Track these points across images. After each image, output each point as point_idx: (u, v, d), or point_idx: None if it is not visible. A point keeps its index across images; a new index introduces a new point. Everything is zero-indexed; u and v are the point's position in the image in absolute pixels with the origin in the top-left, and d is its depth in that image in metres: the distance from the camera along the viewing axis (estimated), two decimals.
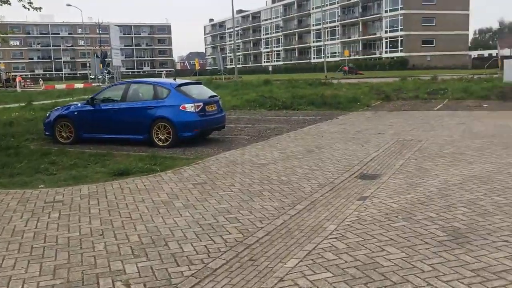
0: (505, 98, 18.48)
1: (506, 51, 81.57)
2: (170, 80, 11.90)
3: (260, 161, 8.73)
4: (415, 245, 4.34)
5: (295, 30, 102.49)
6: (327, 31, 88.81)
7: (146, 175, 7.76)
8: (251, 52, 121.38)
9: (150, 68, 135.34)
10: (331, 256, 4.21)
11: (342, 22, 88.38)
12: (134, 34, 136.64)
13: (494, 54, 78.71)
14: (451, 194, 5.98)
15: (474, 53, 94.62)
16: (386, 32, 79.66)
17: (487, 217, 4.99)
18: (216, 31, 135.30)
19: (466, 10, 78.92)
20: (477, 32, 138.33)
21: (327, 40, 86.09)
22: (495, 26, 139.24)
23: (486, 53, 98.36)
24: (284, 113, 17.86)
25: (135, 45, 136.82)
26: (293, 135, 12.04)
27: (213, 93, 11.91)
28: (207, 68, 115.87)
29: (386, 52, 79.96)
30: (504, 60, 27.72)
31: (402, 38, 76.54)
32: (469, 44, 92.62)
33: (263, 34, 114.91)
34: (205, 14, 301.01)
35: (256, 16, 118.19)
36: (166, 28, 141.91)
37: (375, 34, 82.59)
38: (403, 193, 6.18)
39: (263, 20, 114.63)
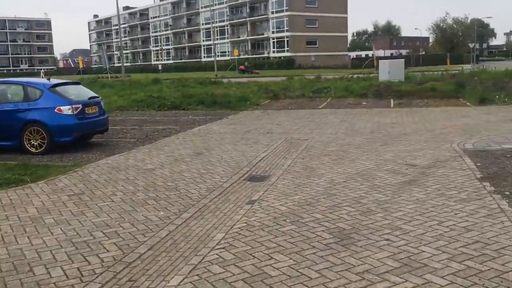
0: (380, 96, 19.81)
1: (380, 52, 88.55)
2: (43, 80, 10.85)
3: (146, 166, 8.25)
4: (303, 250, 4.26)
5: (184, 29, 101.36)
6: (217, 30, 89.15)
7: (14, 187, 6.90)
8: (140, 50, 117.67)
9: (29, 66, 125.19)
10: (218, 269, 3.96)
11: (231, 21, 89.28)
12: (9, 29, 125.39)
13: (370, 55, 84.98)
14: (336, 193, 6.08)
15: (353, 54, 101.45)
16: (273, 32, 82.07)
17: (369, 216, 5.10)
18: (102, 27, 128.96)
19: (345, 14, 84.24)
20: (355, 34, 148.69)
21: (217, 39, 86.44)
22: (370, 28, 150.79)
23: (363, 53, 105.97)
24: (173, 113, 17.37)
25: (11, 41, 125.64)
26: (182, 136, 11.67)
27: (94, 94, 11.09)
28: (93, 66, 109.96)
29: (274, 52, 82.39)
30: (380, 60, 29.82)
31: (288, 39, 79.44)
32: (348, 45, 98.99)
33: (152, 32, 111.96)
34: (89, 9, 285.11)
35: (144, 13, 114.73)
36: (46, 23, 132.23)
37: (263, 34, 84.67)
38: (291, 194, 6.15)
39: (151, 18, 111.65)
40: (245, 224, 5.06)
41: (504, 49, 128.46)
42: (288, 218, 5.18)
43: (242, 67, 58.95)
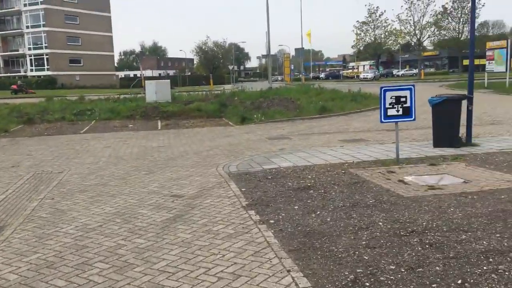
0: (148, 117, 19.24)
1: (148, 72, 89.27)
2: None
3: None
4: None
5: None
6: None
7: None
8: None
9: None
10: None
11: None
12: None
13: (138, 75, 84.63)
14: (88, 244, 4.97)
15: (121, 73, 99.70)
16: (30, 49, 74.43)
17: (126, 273, 4.16)
18: None
19: (110, 32, 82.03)
20: (122, 53, 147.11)
21: None
22: (138, 49, 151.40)
23: (131, 73, 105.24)
24: None
25: None
26: None
27: None
28: None
29: (32, 70, 74.71)
30: (146, 81, 29.28)
31: (47, 56, 73.03)
32: (116, 65, 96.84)
33: None
34: None
35: None
36: None
37: (17, 50, 76.05)
38: (28, 253, 4.79)
39: None
40: None
41: (258, 70, 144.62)
42: None
43: (14, 86, 51.43)
